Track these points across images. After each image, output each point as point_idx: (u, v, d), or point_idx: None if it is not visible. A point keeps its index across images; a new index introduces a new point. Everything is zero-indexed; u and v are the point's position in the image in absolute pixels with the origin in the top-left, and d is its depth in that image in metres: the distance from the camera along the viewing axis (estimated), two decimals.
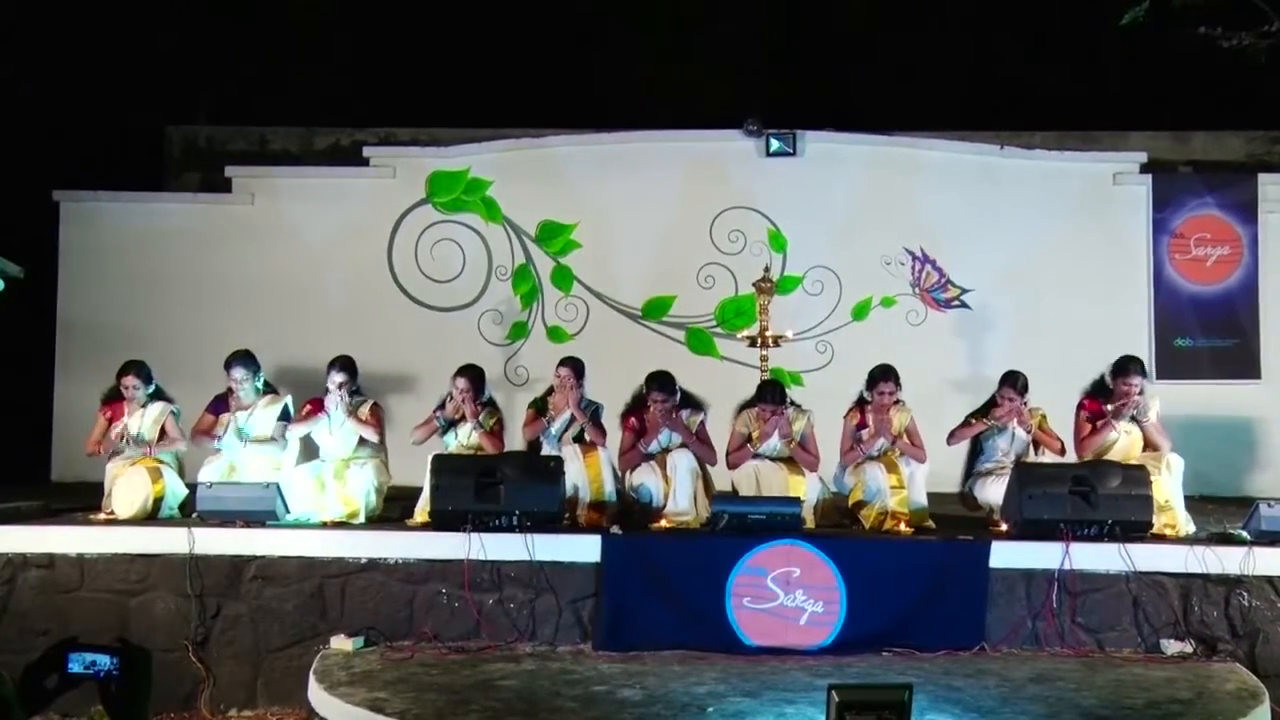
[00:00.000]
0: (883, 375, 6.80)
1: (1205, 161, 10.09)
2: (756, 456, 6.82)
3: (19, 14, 9.70)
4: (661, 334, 9.72)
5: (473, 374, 6.88)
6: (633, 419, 6.84)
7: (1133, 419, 6.63)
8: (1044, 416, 6.87)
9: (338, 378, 6.79)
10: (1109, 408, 6.62)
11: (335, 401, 6.76)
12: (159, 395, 6.90)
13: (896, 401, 6.82)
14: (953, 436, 6.89)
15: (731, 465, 6.87)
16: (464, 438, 6.86)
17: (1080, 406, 6.76)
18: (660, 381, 6.78)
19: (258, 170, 9.96)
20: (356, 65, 11.87)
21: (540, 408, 6.96)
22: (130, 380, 6.78)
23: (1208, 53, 8.02)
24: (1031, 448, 6.88)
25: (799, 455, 6.79)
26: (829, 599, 5.84)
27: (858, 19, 11.88)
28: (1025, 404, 6.77)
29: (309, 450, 7.03)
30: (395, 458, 7.02)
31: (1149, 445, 6.63)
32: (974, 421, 6.82)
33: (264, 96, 11.15)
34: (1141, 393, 6.66)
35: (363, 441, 6.85)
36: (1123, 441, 6.67)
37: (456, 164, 9.82)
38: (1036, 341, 9.26)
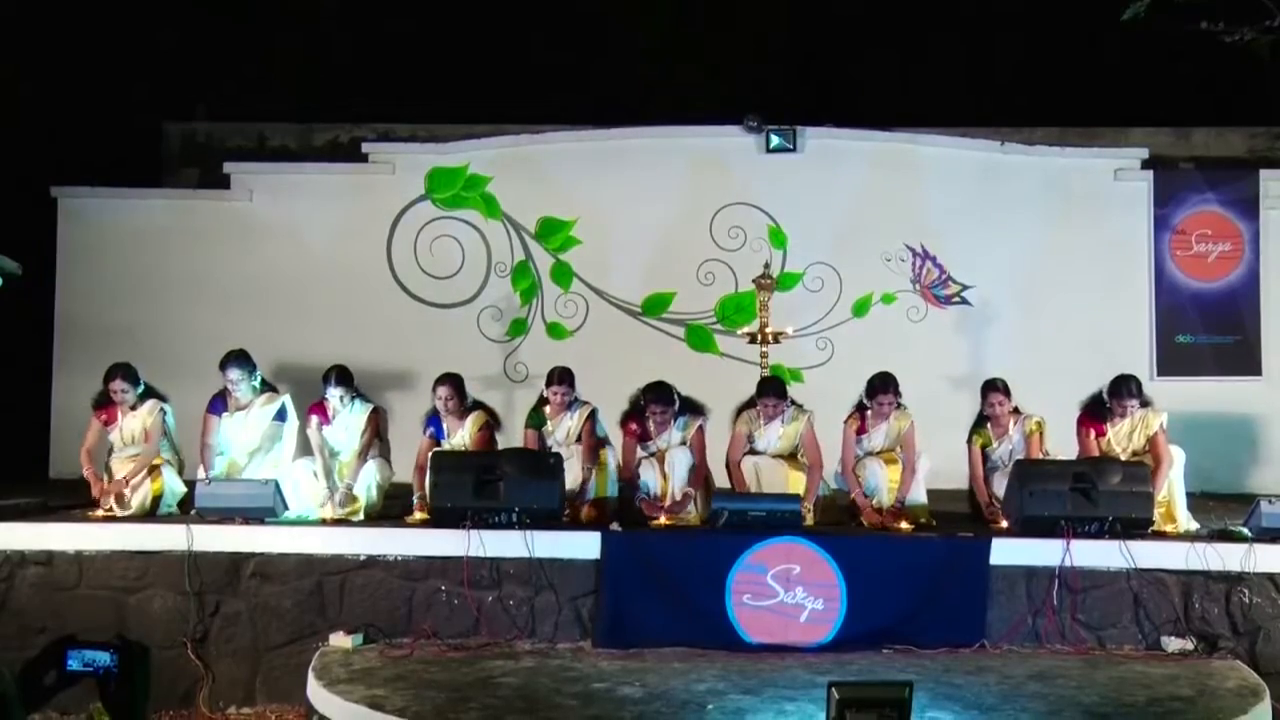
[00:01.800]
0: (881, 386, 6.73)
1: (1207, 157, 10.08)
2: (756, 453, 6.80)
3: (17, 10, 9.67)
4: (661, 331, 9.71)
5: (453, 381, 6.81)
6: (633, 424, 6.79)
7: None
8: (1039, 424, 6.84)
9: (336, 391, 6.74)
10: (1108, 426, 6.63)
11: (339, 407, 6.75)
12: (149, 393, 6.83)
13: (897, 406, 6.80)
14: (975, 475, 6.86)
15: (731, 466, 6.83)
16: (459, 444, 6.82)
17: (1080, 422, 6.74)
18: (658, 393, 6.70)
19: (256, 166, 9.94)
20: (355, 61, 11.84)
21: (537, 423, 6.92)
22: (118, 384, 6.71)
23: (1210, 48, 7.98)
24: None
25: (812, 484, 6.66)
26: (829, 596, 5.83)
27: (858, 15, 11.84)
28: (1016, 407, 6.83)
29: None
30: (396, 454, 6.98)
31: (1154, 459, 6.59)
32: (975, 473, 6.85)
33: (262, 93, 11.12)
34: (1148, 404, 6.64)
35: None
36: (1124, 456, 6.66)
37: (456, 160, 9.80)
38: (1037, 338, 9.26)
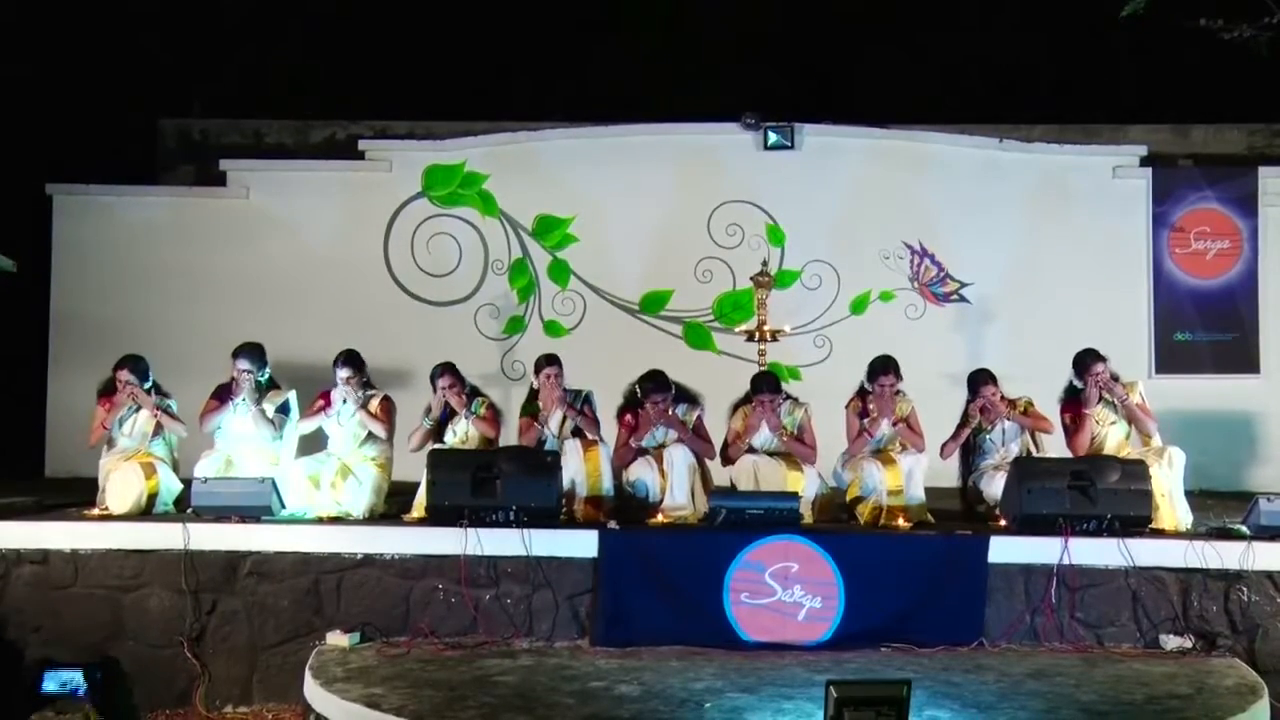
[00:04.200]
0: (883, 368, 6.78)
1: (1205, 155, 10.08)
2: (754, 451, 6.79)
3: (14, 7, 9.64)
4: (659, 328, 9.70)
5: (452, 369, 6.85)
6: (629, 416, 6.81)
7: (1110, 405, 6.64)
8: (1029, 401, 6.88)
9: (344, 373, 6.75)
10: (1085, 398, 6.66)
11: (345, 394, 6.73)
12: (155, 391, 6.84)
13: (897, 393, 6.80)
14: (945, 449, 6.88)
15: (728, 462, 6.83)
16: (461, 434, 6.81)
17: (1063, 414, 6.78)
18: (656, 381, 6.73)
19: (253, 164, 9.93)
20: (353, 58, 11.82)
21: (533, 412, 6.91)
22: (125, 375, 6.73)
23: (1208, 45, 7.99)
24: (1030, 438, 6.88)
25: (794, 447, 6.73)
26: (827, 594, 5.82)
27: (856, 12, 11.83)
28: (1004, 396, 6.84)
29: (316, 442, 6.97)
30: (396, 451, 6.96)
31: (1139, 430, 6.62)
32: (961, 430, 6.85)
33: (259, 89, 11.10)
34: (1115, 378, 6.67)
35: (370, 437, 6.79)
36: (1112, 438, 6.69)
37: (453, 157, 9.79)
38: (1035, 336, 9.25)
